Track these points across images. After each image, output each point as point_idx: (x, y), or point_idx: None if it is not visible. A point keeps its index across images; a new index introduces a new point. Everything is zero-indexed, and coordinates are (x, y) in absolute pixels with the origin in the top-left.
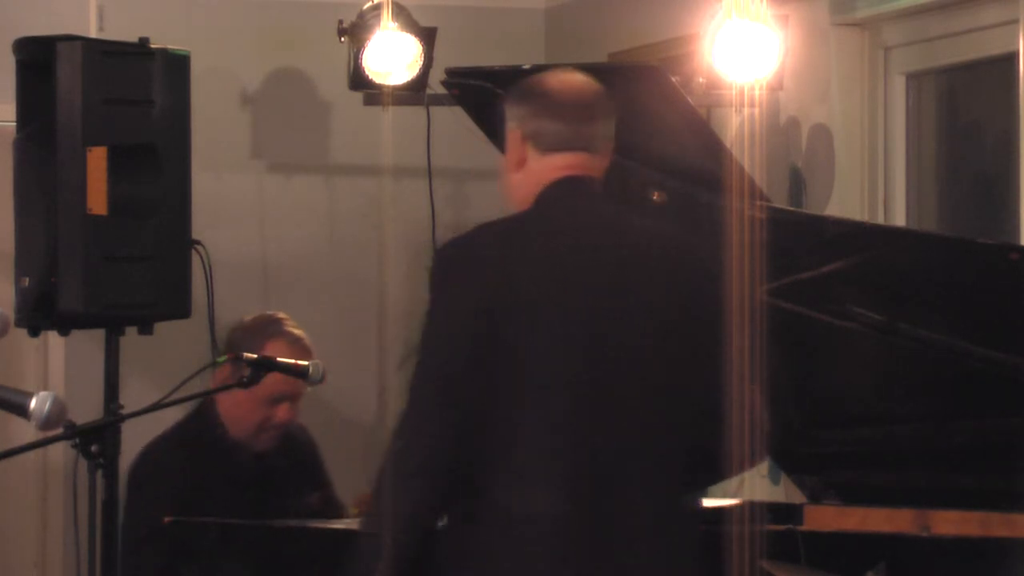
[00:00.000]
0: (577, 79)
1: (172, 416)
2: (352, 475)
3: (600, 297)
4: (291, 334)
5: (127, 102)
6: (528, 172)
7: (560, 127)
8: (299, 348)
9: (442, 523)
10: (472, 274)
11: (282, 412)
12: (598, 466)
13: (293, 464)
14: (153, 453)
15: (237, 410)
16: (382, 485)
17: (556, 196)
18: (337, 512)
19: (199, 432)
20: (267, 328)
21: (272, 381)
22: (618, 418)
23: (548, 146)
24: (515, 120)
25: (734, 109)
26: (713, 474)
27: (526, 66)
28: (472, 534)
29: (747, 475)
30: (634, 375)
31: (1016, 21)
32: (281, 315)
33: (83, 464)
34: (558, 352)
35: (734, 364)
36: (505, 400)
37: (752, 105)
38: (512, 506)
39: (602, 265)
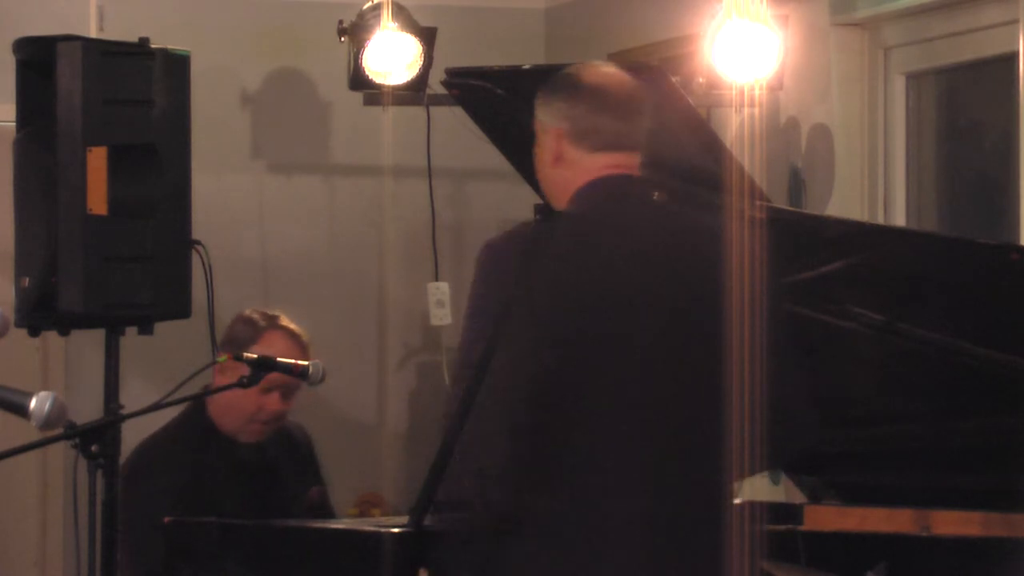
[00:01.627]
0: (621, 74)
1: (171, 416)
2: (352, 475)
3: (660, 295)
4: (288, 328)
5: (127, 102)
6: (572, 167)
7: (613, 125)
8: (296, 343)
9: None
10: (540, 272)
11: (272, 401)
12: (669, 470)
13: (289, 460)
14: (145, 451)
15: (227, 401)
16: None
17: (607, 193)
18: (329, 514)
19: (190, 429)
20: (264, 322)
21: None
22: (683, 418)
23: (599, 145)
24: (553, 115)
25: (734, 109)
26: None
27: (526, 66)
28: (542, 541)
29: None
30: (700, 374)
31: (1016, 21)
32: (277, 311)
33: (83, 464)
34: (628, 354)
35: (744, 366)
36: (568, 402)
37: (752, 105)
38: (584, 511)
39: (657, 261)
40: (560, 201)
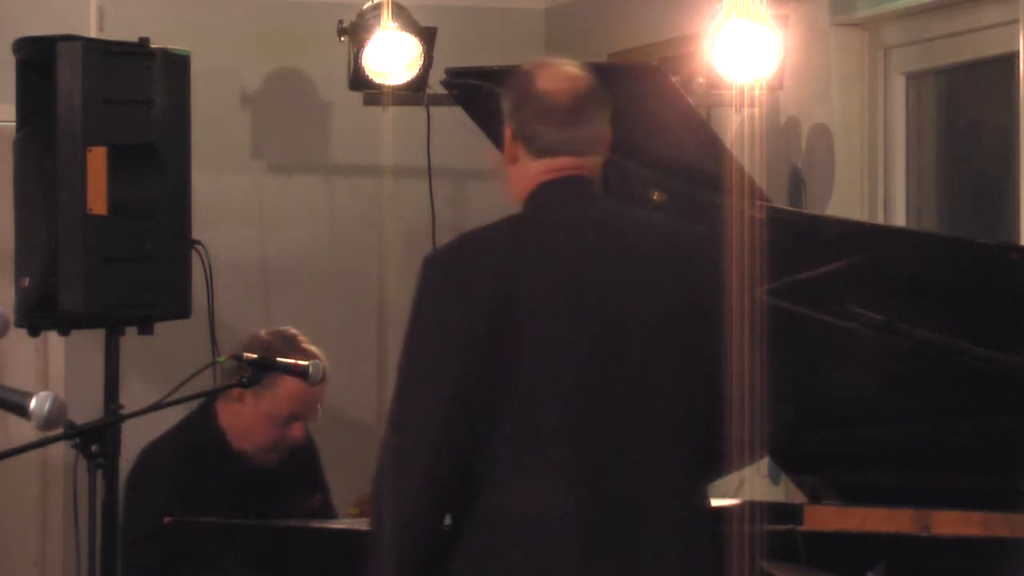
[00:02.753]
0: (569, 76)
1: (172, 416)
2: (352, 475)
3: (602, 293)
4: (308, 351)
5: (127, 102)
6: (521, 170)
7: (550, 132)
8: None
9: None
10: (466, 280)
11: (297, 430)
12: (608, 464)
13: (294, 469)
14: (152, 456)
15: (246, 424)
16: (378, 497)
17: (547, 198)
18: (332, 517)
19: (198, 437)
20: (283, 344)
21: (289, 401)
22: (627, 415)
23: (538, 150)
24: (508, 116)
25: (734, 109)
26: (717, 468)
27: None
28: (480, 536)
29: (747, 475)
30: (641, 370)
31: (1016, 21)
32: (293, 330)
33: (83, 464)
34: (564, 350)
35: (734, 363)
36: (511, 401)
37: (752, 105)
38: (521, 506)
39: (601, 260)
40: (516, 198)
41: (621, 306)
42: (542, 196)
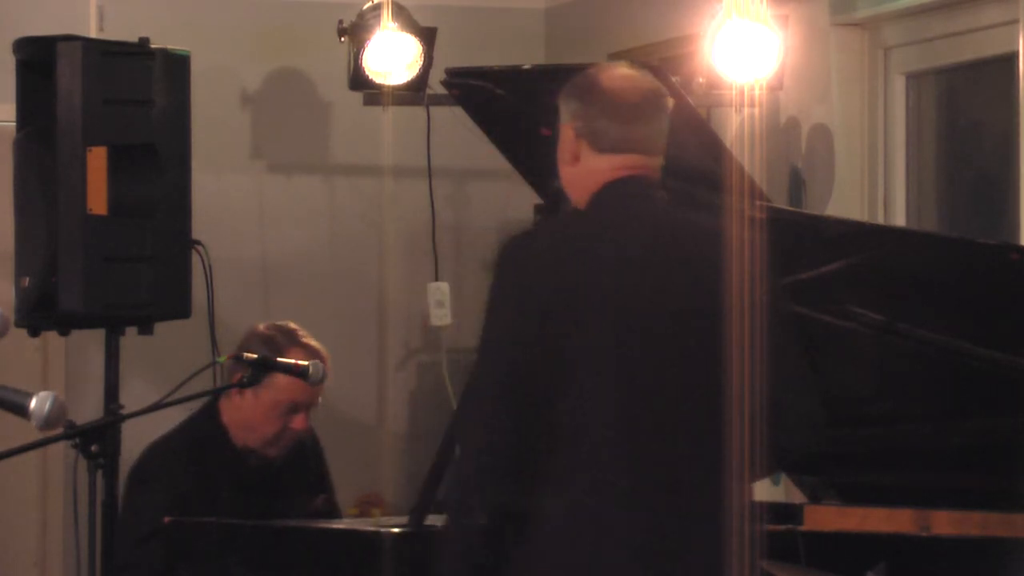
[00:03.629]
0: (633, 76)
1: (172, 416)
2: (352, 475)
3: (659, 297)
4: (309, 345)
5: (127, 102)
6: (584, 170)
7: (617, 129)
8: (317, 358)
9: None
10: (535, 273)
11: (299, 422)
12: (659, 465)
13: (299, 468)
14: (156, 454)
15: (247, 417)
16: (449, 484)
17: (613, 197)
18: (336, 517)
19: (203, 435)
20: (283, 338)
21: (289, 391)
22: (678, 417)
23: (604, 147)
24: (569, 116)
25: (734, 109)
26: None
27: (526, 66)
28: (532, 534)
29: None
30: (694, 374)
31: (1016, 21)
32: (292, 325)
33: (83, 464)
34: (620, 352)
35: (747, 367)
36: (565, 400)
37: (752, 105)
38: (574, 505)
39: (659, 264)
40: (575, 197)
41: (676, 311)
42: (608, 195)
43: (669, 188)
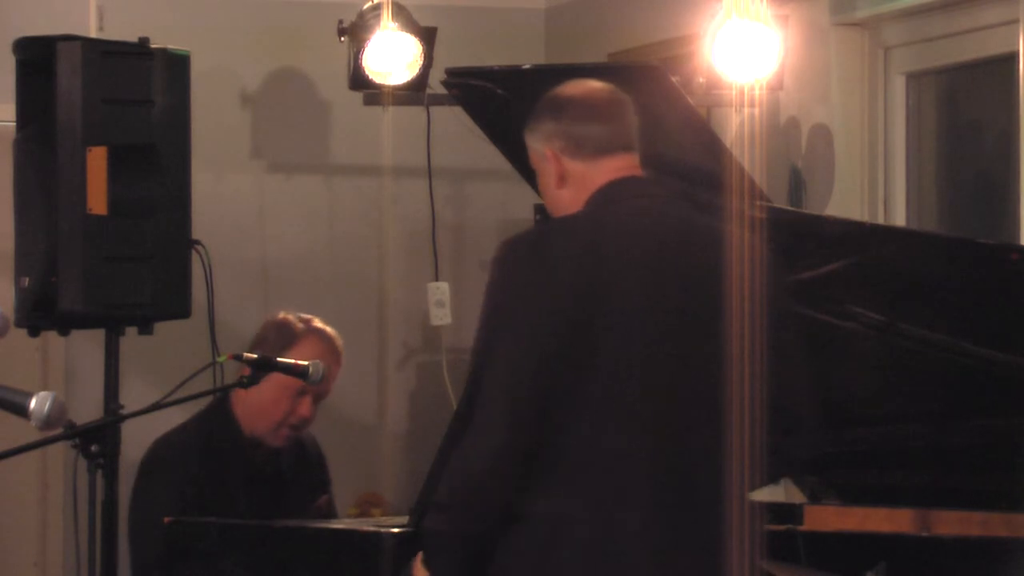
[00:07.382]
0: (589, 82)
1: (172, 416)
2: (352, 475)
3: (675, 297)
4: (324, 332)
5: (127, 102)
6: (578, 181)
7: (598, 129)
8: (331, 347)
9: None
10: (555, 262)
11: (305, 406)
12: (677, 471)
13: (300, 469)
14: (166, 445)
15: (257, 400)
16: (445, 480)
17: (616, 195)
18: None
19: (213, 429)
20: (301, 325)
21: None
22: (695, 420)
23: (590, 150)
24: (544, 139)
25: (734, 109)
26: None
27: (526, 66)
28: (537, 540)
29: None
30: (710, 376)
31: (1016, 21)
32: (308, 316)
33: (83, 464)
34: (636, 354)
35: (747, 369)
36: (589, 391)
37: (752, 105)
38: (584, 513)
39: (673, 259)
40: (574, 212)
41: (691, 312)
42: (611, 192)
43: (669, 188)
